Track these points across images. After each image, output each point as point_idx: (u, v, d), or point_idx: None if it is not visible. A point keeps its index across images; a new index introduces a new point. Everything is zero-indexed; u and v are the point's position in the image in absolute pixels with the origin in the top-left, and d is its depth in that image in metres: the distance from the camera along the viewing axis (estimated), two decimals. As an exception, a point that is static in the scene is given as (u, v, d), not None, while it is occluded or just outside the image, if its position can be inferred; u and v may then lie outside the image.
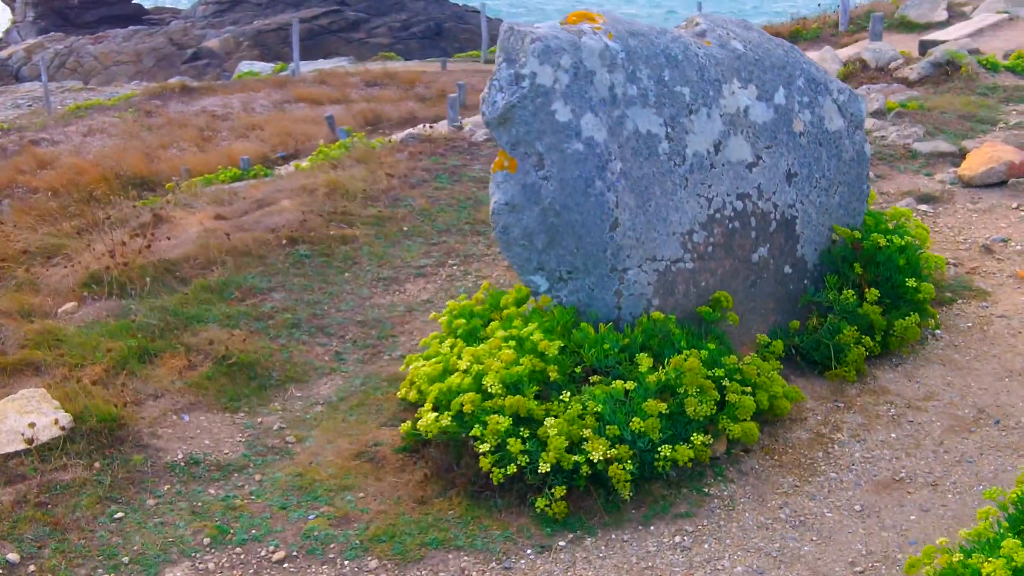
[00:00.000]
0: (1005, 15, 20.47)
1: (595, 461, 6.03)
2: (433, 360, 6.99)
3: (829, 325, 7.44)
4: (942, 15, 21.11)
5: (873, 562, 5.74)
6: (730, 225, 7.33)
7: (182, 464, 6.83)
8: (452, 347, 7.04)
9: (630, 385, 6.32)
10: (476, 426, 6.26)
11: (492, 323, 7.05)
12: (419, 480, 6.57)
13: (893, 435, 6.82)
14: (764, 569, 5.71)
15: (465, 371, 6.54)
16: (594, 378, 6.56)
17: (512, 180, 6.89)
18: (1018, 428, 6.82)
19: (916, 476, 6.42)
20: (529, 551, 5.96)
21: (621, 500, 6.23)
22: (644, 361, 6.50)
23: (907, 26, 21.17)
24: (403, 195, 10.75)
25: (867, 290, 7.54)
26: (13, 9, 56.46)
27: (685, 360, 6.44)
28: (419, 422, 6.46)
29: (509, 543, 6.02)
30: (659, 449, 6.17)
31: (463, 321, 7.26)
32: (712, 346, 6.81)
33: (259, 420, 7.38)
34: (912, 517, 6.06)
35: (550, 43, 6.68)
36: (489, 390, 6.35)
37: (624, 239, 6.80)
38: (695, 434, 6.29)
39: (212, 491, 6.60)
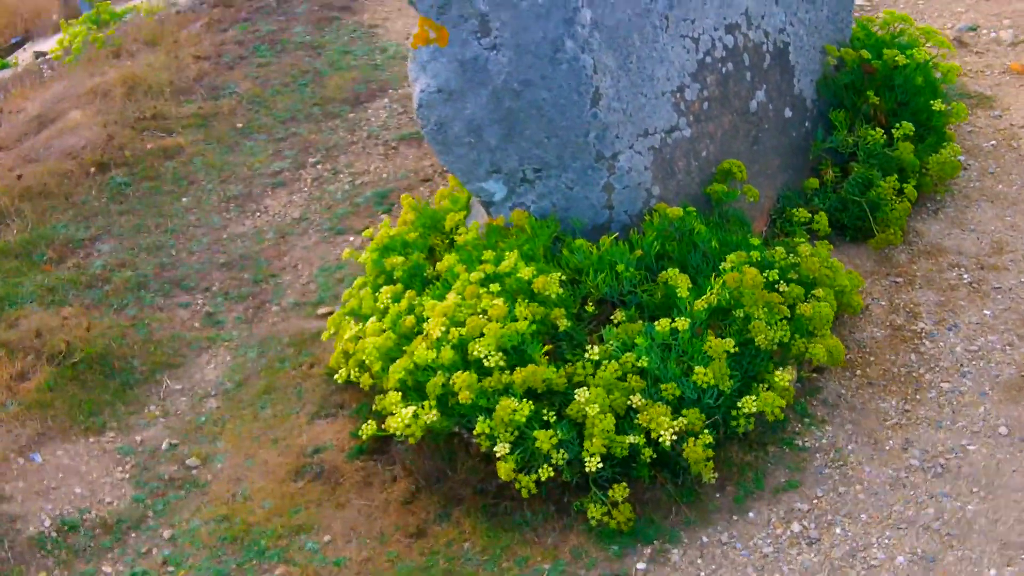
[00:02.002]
0: None
1: (661, 441, 4.21)
2: (375, 322, 4.93)
3: (856, 177, 5.71)
4: None
5: (1066, 509, 4.19)
6: (723, 69, 5.42)
7: (53, 534, 4.65)
8: (395, 298, 4.99)
9: (681, 323, 4.45)
10: (480, 418, 4.31)
11: (446, 257, 5.02)
12: (402, 499, 4.60)
13: (987, 312, 5.22)
14: (934, 553, 4.07)
15: (440, 339, 4.53)
16: (617, 315, 4.67)
17: (445, 57, 4.78)
18: None
19: (1048, 366, 4.88)
20: (600, 588, 4.15)
21: (695, 481, 4.46)
22: (680, 280, 4.63)
23: None
24: (221, 81, 8.33)
25: (893, 124, 5.81)
26: None
27: (742, 273, 4.61)
28: (390, 421, 4.43)
29: (567, 581, 4.19)
30: (739, 404, 4.38)
31: (399, 259, 5.19)
32: (756, 241, 4.99)
33: (138, 439, 5.18)
34: (1078, 429, 4.53)
35: None
36: (485, 363, 4.39)
37: (609, 114, 4.83)
38: (776, 371, 4.53)
39: (108, 569, 4.50)
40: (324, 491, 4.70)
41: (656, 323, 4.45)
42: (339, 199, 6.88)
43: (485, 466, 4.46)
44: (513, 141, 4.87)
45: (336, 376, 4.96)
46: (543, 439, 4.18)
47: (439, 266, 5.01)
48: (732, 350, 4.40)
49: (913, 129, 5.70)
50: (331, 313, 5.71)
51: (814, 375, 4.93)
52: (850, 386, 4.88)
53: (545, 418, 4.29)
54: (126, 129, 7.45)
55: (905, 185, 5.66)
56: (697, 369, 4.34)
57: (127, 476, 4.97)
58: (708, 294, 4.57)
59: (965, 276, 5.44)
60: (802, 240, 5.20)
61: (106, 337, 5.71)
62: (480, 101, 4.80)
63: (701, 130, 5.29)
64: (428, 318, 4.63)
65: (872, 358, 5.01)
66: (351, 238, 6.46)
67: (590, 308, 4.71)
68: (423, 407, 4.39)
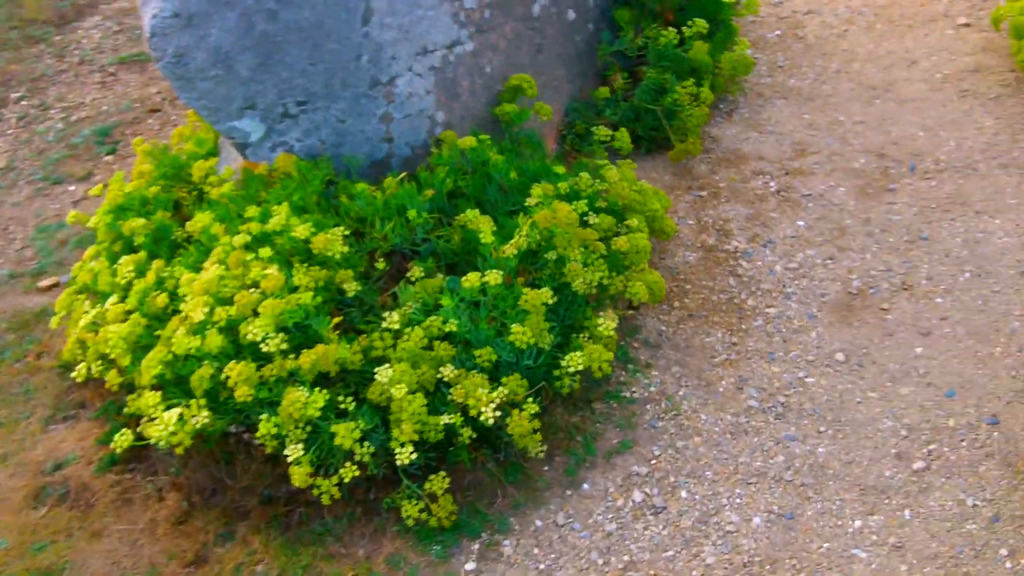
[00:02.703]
0: None
1: (482, 418, 3.65)
2: (117, 303, 4.11)
3: (649, 83, 5.22)
4: None
5: (921, 440, 3.87)
6: (500, -32, 4.80)
7: None
8: (139, 271, 4.18)
9: (493, 277, 3.86)
10: (263, 415, 3.62)
11: (199, 215, 4.22)
12: (173, 519, 3.86)
13: (800, 223, 4.87)
14: (792, 509, 3.69)
15: (204, 322, 3.78)
16: (414, 271, 4.03)
17: (176, -29, 3.96)
18: (940, 167, 5.07)
19: (875, 278, 4.55)
20: (427, 599, 3.58)
21: (520, 456, 3.93)
22: (483, 224, 4.03)
23: None
24: None
25: (681, 21, 5.34)
26: None
27: (553, 210, 4.05)
28: (149, 429, 3.66)
29: (387, 595, 3.60)
30: (563, 362, 3.85)
31: (139, 221, 4.34)
32: (560, 169, 4.43)
33: None
34: (917, 349, 4.23)
35: None
36: (263, 348, 3.68)
37: (383, 32, 4.14)
38: (596, 318, 4.02)
39: None
40: (74, 517, 3.91)
41: (464, 279, 3.85)
42: (52, 141, 5.90)
43: (272, 469, 3.80)
44: (271, 71, 4.10)
45: (73, 374, 4.13)
46: (344, 434, 3.53)
47: (189, 226, 4.21)
48: (550, 301, 3.87)
49: (707, 27, 5.24)
50: (56, 285, 4.87)
51: (630, 312, 4.47)
52: (670, 321, 4.44)
53: (342, 405, 3.65)
54: None
55: (701, 89, 5.22)
56: (514, 328, 3.77)
57: None
58: (517, 237, 3.99)
59: (771, 184, 5.08)
60: (604, 162, 4.68)
61: None
62: (228, 25, 4.00)
63: (484, 42, 4.65)
64: (185, 295, 3.86)
65: (688, 286, 4.59)
66: (71, 187, 5.54)
67: (380, 264, 4.06)
68: (189, 407, 3.66)
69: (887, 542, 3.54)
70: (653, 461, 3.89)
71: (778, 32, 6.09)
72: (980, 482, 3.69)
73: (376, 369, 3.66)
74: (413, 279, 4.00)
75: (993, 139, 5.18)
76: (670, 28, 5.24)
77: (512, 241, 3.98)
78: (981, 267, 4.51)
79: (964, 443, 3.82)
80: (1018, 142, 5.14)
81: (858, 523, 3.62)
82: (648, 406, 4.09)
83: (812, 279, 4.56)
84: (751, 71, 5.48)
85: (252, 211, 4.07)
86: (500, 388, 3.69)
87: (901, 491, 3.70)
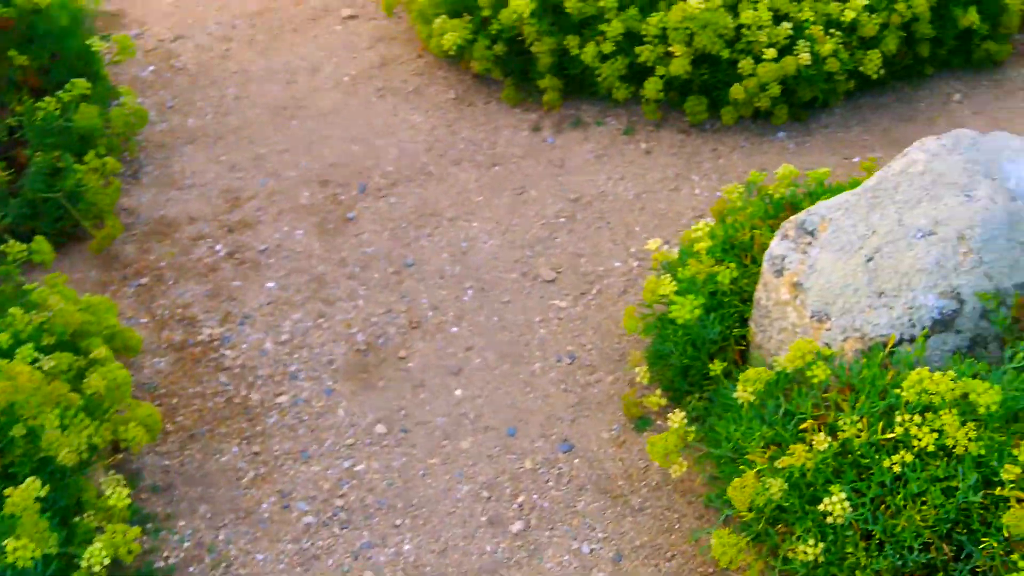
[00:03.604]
0: None
1: None
2: None
3: (40, 168, 4.35)
4: None
5: (506, 496, 3.59)
6: None
7: None
8: None
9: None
10: None
11: None
12: None
13: (270, 284, 4.32)
14: (405, 631, 3.28)
15: None
16: None
17: None
18: (392, 180, 4.77)
19: (378, 326, 4.17)
20: None
21: None
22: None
23: None
24: None
25: (49, 85, 4.57)
26: None
27: (12, 378, 3.21)
28: None
29: None
30: (82, 560, 3.07)
31: None
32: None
33: None
34: (456, 392, 3.93)
35: None
36: None
37: None
38: (92, 488, 3.30)
39: None
40: None
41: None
42: None
43: None
44: None
45: None
46: None
47: None
48: (42, 493, 3.09)
49: (90, 87, 4.53)
50: None
51: (119, 457, 3.76)
52: (171, 451, 3.78)
53: None
54: None
55: (106, 159, 4.53)
56: (9, 545, 2.97)
57: None
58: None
59: (218, 248, 4.52)
60: (33, 285, 3.84)
61: None
62: None
63: None
64: None
65: (175, 400, 3.94)
66: None
67: None
68: None
69: (521, 629, 3.26)
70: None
71: (151, 68, 5.46)
72: (586, 522, 3.51)
73: None
74: None
75: (432, 135, 5.00)
76: (46, 98, 4.47)
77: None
78: (480, 279, 4.32)
79: (550, 483, 3.62)
80: (457, 133, 5.01)
81: (485, 616, 3.29)
82: (192, 569, 3.45)
83: (312, 347, 4.11)
84: (147, 123, 4.86)
85: None
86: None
87: (512, 563, 3.41)
